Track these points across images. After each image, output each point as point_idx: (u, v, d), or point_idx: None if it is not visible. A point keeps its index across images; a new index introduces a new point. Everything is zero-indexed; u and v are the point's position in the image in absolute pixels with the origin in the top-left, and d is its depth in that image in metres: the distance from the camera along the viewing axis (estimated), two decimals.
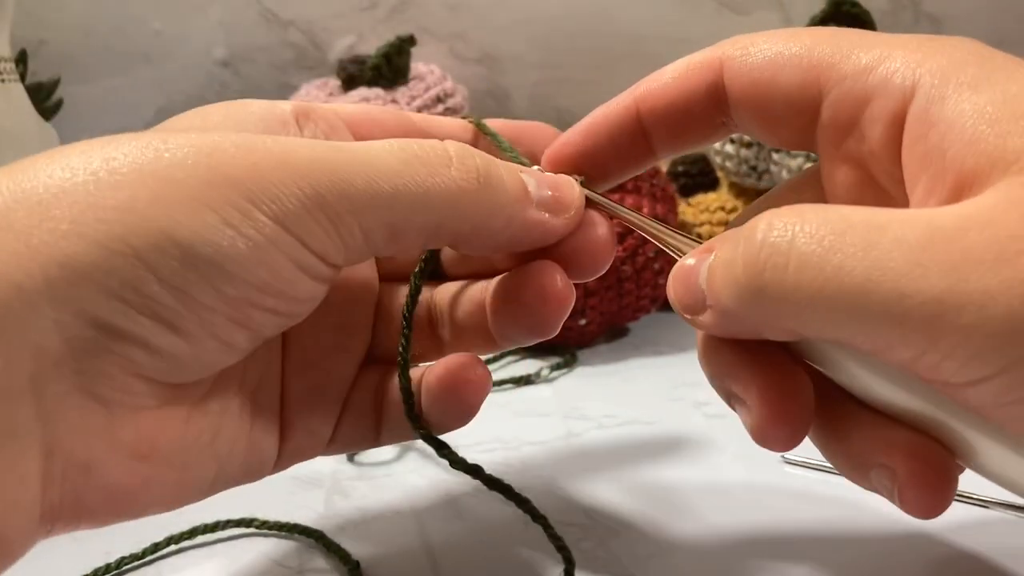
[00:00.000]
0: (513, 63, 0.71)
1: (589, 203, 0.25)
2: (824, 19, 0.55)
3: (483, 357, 0.48)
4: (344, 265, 0.22)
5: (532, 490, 0.34)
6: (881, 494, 0.21)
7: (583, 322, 0.48)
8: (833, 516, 0.31)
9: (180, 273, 0.18)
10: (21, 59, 0.64)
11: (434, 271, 0.28)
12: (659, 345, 0.50)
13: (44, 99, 0.66)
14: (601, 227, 0.25)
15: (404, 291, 0.27)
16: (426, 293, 0.28)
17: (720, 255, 0.20)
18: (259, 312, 0.20)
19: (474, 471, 0.27)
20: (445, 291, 0.28)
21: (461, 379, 0.26)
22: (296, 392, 0.26)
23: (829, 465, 0.33)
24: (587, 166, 0.26)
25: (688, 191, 0.60)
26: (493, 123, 0.29)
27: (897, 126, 0.20)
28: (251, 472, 0.24)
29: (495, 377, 0.45)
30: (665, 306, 0.53)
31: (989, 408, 0.17)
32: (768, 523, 0.31)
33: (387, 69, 0.60)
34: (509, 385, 0.45)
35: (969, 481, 0.30)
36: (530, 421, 0.41)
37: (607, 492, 0.34)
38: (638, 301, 0.50)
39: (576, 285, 0.48)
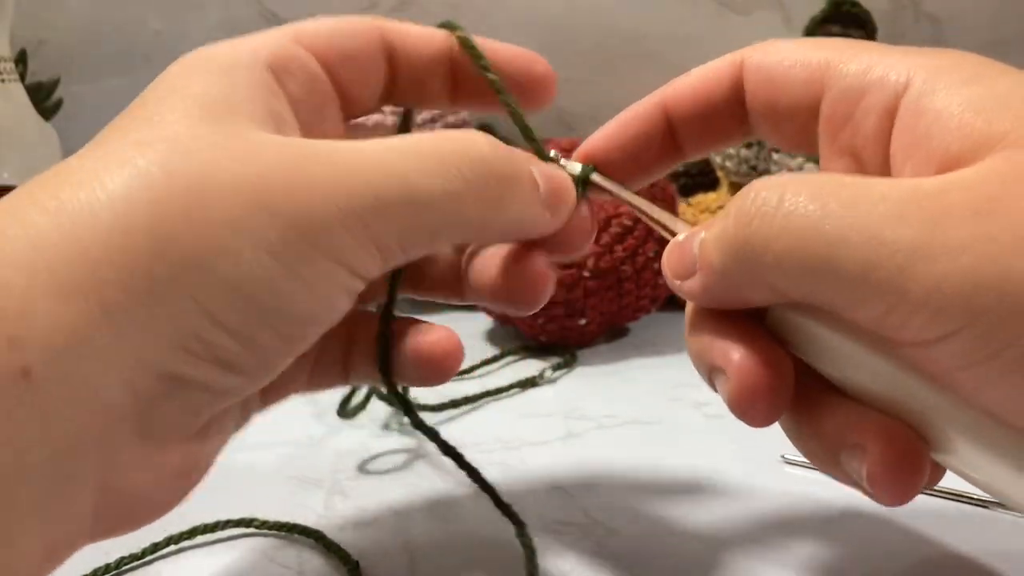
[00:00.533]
0: None
1: (601, 190, 0.26)
2: (824, 19, 0.55)
3: (484, 358, 0.49)
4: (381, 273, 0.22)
5: (532, 490, 0.34)
6: (849, 480, 0.21)
7: (583, 322, 0.48)
8: (833, 516, 0.31)
9: (247, 324, 0.19)
10: (21, 59, 0.64)
11: None
12: (659, 345, 0.50)
13: (44, 99, 0.66)
14: (583, 215, 0.26)
15: None
16: None
17: (716, 221, 0.21)
18: (307, 340, 0.21)
19: (431, 433, 0.27)
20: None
21: (441, 351, 0.25)
22: None
23: None
24: (616, 164, 0.27)
25: (688, 191, 0.60)
26: (479, 43, 0.28)
27: (889, 118, 0.21)
28: (241, 426, 0.25)
29: (499, 381, 0.45)
30: (665, 306, 0.54)
31: (955, 371, 0.17)
32: (768, 523, 0.31)
33: None
34: (516, 390, 0.45)
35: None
36: (530, 421, 0.41)
37: (607, 492, 0.34)
38: (638, 301, 0.50)
39: (576, 285, 0.48)
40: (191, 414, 0.19)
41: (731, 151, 0.56)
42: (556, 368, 0.47)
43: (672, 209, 0.52)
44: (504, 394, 0.44)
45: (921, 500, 0.31)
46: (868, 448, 0.19)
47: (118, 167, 0.18)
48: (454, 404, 0.41)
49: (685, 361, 0.49)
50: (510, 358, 0.49)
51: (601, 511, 0.32)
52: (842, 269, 0.17)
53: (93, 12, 0.75)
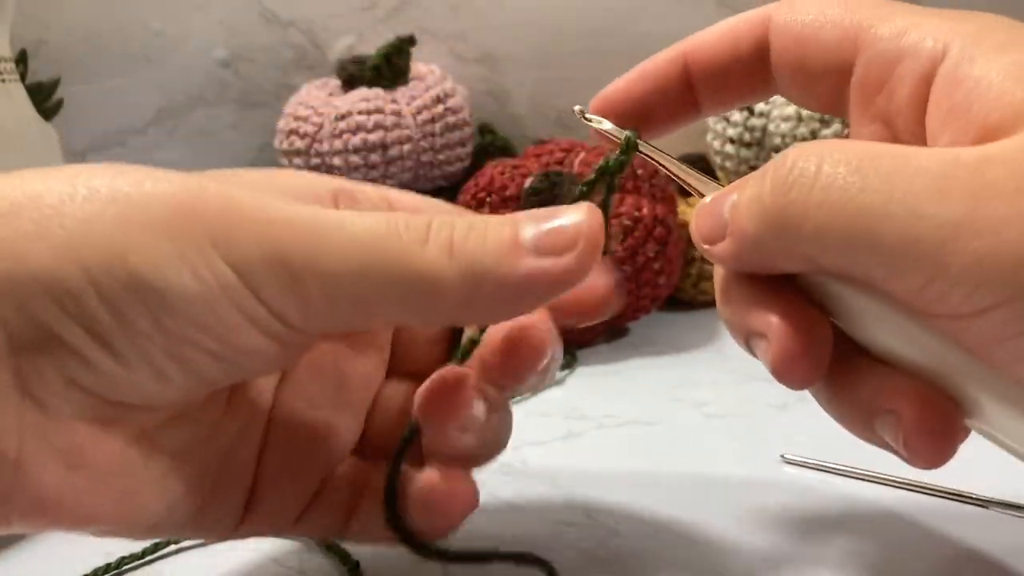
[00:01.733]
0: (513, 63, 0.71)
1: (647, 158, 0.26)
2: None
3: None
4: (309, 330, 0.21)
5: (532, 490, 0.34)
6: (884, 444, 0.21)
7: None
8: (833, 516, 0.31)
9: (121, 296, 0.19)
10: (21, 59, 0.64)
11: None
12: (659, 345, 0.50)
13: (44, 99, 0.66)
14: (603, 276, 0.24)
15: (406, 390, 0.27)
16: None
17: (749, 185, 0.20)
18: (197, 352, 0.20)
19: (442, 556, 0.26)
20: None
21: (447, 492, 0.24)
22: (272, 467, 0.25)
23: (829, 465, 0.33)
24: (632, 114, 0.26)
25: (688, 191, 0.60)
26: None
27: (925, 85, 0.21)
28: (202, 529, 0.24)
29: None
30: (665, 306, 0.53)
31: (992, 344, 0.17)
32: (767, 523, 0.31)
33: (387, 69, 0.60)
34: (528, 394, 0.44)
35: (969, 481, 0.30)
36: (530, 421, 0.41)
37: (607, 492, 0.34)
38: (638, 301, 0.50)
39: None
40: (68, 382, 0.19)
41: (731, 151, 0.55)
42: (559, 368, 0.47)
43: (671, 209, 0.52)
44: (519, 399, 0.43)
45: (920, 499, 0.31)
46: (902, 414, 0.19)
47: (74, 167, 0.20)
48: None
49: (685, 361, 0.50)
50: None
51: (601, 511, 0.32)
52: (882, 243, 0.17)
53: (93, 12, 0.75)
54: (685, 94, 0.26)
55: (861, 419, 0.21)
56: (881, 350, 0.21)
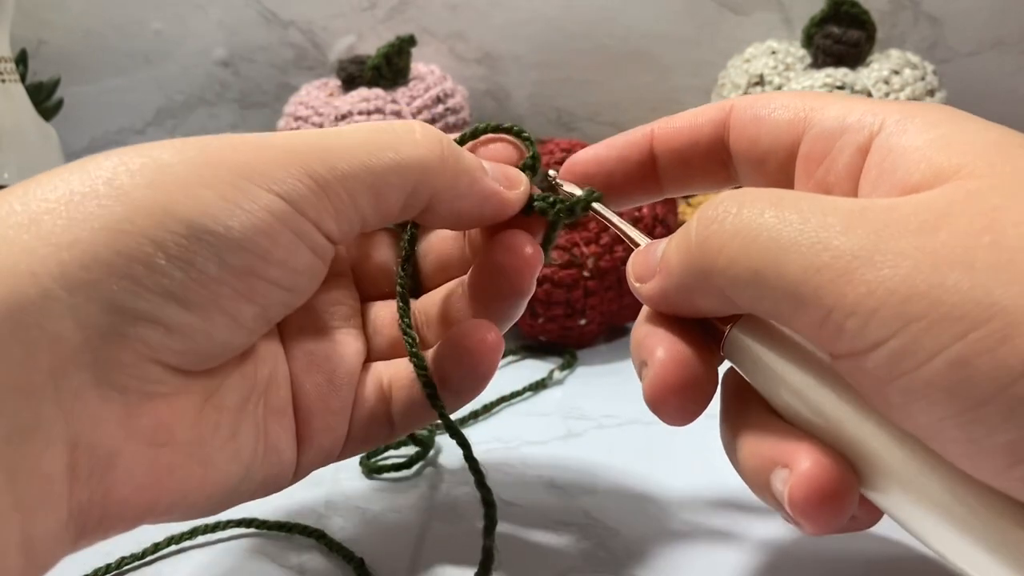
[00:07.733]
0: (513, 63, 0.71)
1: (598, 216, 0.28)
2: (824, 19, 0.55)
3: None
4: (339, 237, 0.23)
5: (532, 490, 0.34)
6: (777, 503, 0.21)
7: (583, 322, 0.48)
8: None
9: (185, 246, 0.19)
10: (21, 59, 0.64)
11: (415, 291, 0.30)
12: None
13: (44, 99, 0.66)
14: (529, 246, 0.27)
15: (388, 306, 0.29)
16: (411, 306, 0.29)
17: (681, 229, 0.22)
18: (263, 284, 0.21)
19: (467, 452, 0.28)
20: (427, 299, 0.30)
21: (476, 340, 0.26)
22: (307, 390, 0.26)
23: None
24: (598, 183, 0.28)
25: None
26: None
27: (862, 155, 0.22)
28: (272, 477, 0.25)
29: (501, 382, 0.45)
30: None
31: (886, 386, 0.17)
32: (768, 523, 0.31)
33: (387, 69, 0.60)
34: (528, 393, 0.44)
35: None
36: (530, 421, 0.41)
37: (607, 492, 0.34)
38: (638, 301, 0.50)
39: (576, 285, 0.48)
40: (147, 359, 0.20)
41: None
42: (559, 369, 0.47)
43: (671, 209, 0.52)
44: (520, 399, 0.44)
45: None
46: (794, 468, 0.20)
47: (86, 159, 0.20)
48: (474, 415, 0.41)
49: None
50: (510, 358, 0.49)
51: (601, 511, 0.32)
52: (786, 273, 0.18)
53: (93, 12, 0.75)
54: (649, 172, 0.28)
55: (759, 474, 0.21)
56: (791, 410, 0.21)
